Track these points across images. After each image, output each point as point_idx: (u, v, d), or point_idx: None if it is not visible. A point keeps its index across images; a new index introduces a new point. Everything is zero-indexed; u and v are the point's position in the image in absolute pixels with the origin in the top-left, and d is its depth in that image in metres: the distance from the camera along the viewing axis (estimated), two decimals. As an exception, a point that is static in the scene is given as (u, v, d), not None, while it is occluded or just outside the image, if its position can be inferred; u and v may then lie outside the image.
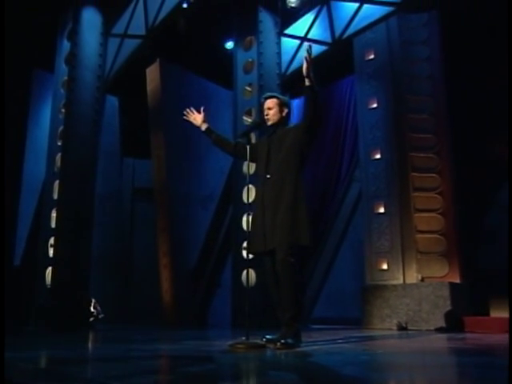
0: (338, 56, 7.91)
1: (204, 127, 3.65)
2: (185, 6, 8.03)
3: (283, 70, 8.23)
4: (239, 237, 7.21)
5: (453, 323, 6.00)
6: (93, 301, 7.41)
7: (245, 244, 6.74)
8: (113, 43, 8.47)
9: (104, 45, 8.46)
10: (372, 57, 7.62)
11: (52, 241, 7.35)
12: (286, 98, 3.56)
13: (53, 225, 7.44)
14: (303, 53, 3.18)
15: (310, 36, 8.01)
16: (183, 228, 9.11)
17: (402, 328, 6.27)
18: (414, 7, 7.25)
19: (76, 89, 7.90)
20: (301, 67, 3.28)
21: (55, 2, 8.25)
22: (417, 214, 6.83)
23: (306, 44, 3.37)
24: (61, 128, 7.84)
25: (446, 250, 6.64)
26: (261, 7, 8.14)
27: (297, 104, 8.06)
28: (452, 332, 5.69)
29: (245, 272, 6.75)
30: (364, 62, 7.70)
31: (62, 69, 8.16)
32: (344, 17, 7.62)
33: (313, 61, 3.18)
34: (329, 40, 7.79)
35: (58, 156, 7.72)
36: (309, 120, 3.33)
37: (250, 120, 7.79)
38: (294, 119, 3.85)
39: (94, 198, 8.00)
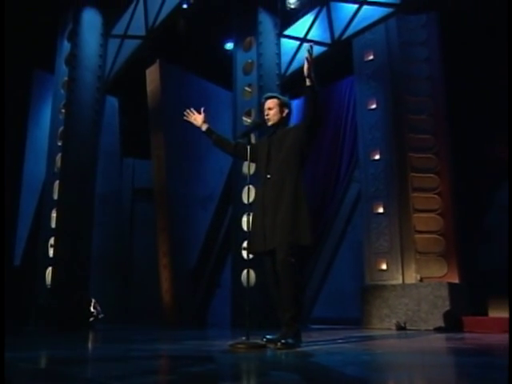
0: (337, 57, 7.93)
1: (204, 127, 3.66)
2: (185, 6, 8.05)
3: (283, 70, 8.24)
4: (239, 237, 7.22)
5: (451, 323, 6.02)
6: (93, 301, 7.41)
7: (245, 244, 6.76)
8: (113, 44, 8.48)
9: (104, 45, 8.46)
10: (371, 58, 7.64)
11: (52, 241, 7.36)
12: (286, 99, 3.57)
13: (53, 225, 7.44)
14: (303, 53, 3.20)
15: (309, 37, 8.02)
16: (183, 228, 9.12)
17: (400, 328, 6.28)
18: (413, 8, 7.27)
19: (76, 89, 7.91)
20: (300, 68, 3.30)
21: (55, 3, 8.26)
22: (416, 215, 6.85)
23: (307, 44, 3.38)
24: (61, 128, 7.84)
25: (444, 250, 6.66)
26: (260, 8, 8.16)
27: (296, 104, 8.07)
28: (451, 332, 5.71)
29: (245, 272, 6.76)
30: (363, 62, 7.72)
31: (62, 69, 8.17)
32: (343, 18, 7.64)
33: (314, 61, 3.20)
34: (328, 41, 7.81)
35: (58, 156, 7.72)
36: (309, 120, 3.34)
37: (249, 121, 7.80)
38: (294, 120, 3.87)
39: (94, 198, 8.01)
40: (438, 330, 5.99)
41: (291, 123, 3.55)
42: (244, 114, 7.92)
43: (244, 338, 3.09)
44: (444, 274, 6.56)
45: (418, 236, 6.77)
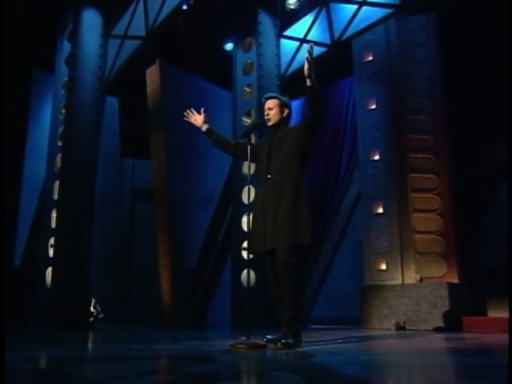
0: (336, 57, 7.93)
1: (205, 128, 3.67)
2: (185, 7, 8.05)
3: (282, 71, 8.25)
4: (239, 237, 7.23)
5: (451, 323, 6.03)
6: (93, 301, 7.42)
7: (245, 244, 6.77)
8: (113, 44, 8.48)
9: (104, 46, 8.46)
10: (371, 58, 7.66)
11: (52, 241, 7.36)
12: (286, 99, 3.58)
13: (53, 225, 7.45)
14: (302, 54, 3.21)
15: (309, 38, 8.02)
16: (183, 228, 9.12)
17: (400, 328, 6.29)
18: (412, 9, 7.28)
19: (76, 90, 7.91)
20: (300, 68, 3.31)
21: (55, 3, 8.25)
22: (415, 215, 6.86)
23: (307, 44, 3.38)
24: (61, 129, 7.85)
25: (444, 250, 6.67)
26: (260, 9, 8.17)
27: (296, 105, 8.08)
28: (450, 332, 5.71)
29: (245, 272, 6.77)
30: (363, 63, 7.74)
31: (63, 70, 8.17)
32: (343, 19, 7.64)
33: (314, 61, 3.21)
34: (328, 42, 7.81)
35: (59, 156, 7.73)
36: (309, 120, 3.35)
37: (249, 121, 7.81)
38: (294, 120, 3.88)
39: (94, 198, 8.01)
40: (437, 330, 5.99)
41: (291, 123, 3.56)
42: (244, 114, 7.93)
43: (244, 338, 3.10)
44: (443, 274, 6.57)
45: (417, 236, 6.78)
